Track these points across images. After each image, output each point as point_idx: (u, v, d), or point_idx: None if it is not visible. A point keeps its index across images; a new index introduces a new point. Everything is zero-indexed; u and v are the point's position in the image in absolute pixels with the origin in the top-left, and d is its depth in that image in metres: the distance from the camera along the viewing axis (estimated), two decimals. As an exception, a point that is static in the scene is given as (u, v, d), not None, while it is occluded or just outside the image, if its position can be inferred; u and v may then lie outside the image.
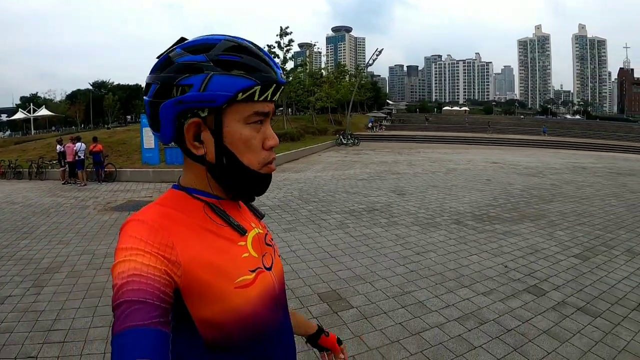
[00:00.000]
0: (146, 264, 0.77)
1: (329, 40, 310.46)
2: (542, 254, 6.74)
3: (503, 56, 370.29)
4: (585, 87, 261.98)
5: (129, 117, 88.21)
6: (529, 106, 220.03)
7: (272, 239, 1.14)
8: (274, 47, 37.22)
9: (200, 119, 0.89)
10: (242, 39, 0.93)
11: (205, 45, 0.89)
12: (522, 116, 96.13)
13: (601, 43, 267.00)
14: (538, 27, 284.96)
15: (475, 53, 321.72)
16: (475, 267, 6.10)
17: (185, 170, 1.00)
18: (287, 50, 37.86)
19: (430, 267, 6.10)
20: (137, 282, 0.74)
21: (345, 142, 35.33)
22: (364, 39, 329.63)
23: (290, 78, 40.88)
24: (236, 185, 0.96)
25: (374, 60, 49.55)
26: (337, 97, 50.42)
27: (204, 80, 0.85)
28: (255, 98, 0.89)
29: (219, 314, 0.87)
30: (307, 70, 51.27)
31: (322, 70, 62.10)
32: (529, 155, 28.56)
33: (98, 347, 3.90)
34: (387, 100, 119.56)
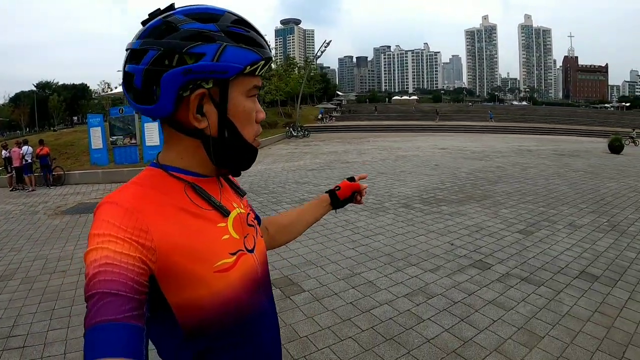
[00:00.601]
0: (119, 252, 0.74)
1: (277, 33, 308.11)
2: (487, 231, 7.03)
3: (451, 46, 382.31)
4: (531, 75, 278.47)
5: (75, 118, 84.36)
6: (477, 94, 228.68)
7: (254, 219, 1.13)
8: None
9: (206, 90, 0.86)
10: (234, 13, 0.92)
11: (211, 15, 0.87)
12: (470, 104, 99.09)
13: (546, 32, 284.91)
14: (485, 18, 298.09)
15: (424, 43, 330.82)
16: (422, 247, 6.29)
17: (169, 147, 0.97)
18: None
19: (379, 249, 6.24)
20: (110, 272, 0.71)
21: (295, 134, 35.49)
22: (313, 31, 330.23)
23: None
24: (232, 159, 0.96)
25: (322, 52, 49.91)
26: (286, 90, 50.58)
27: (218, 50, 0.83)
28: (257, 72, 0.91)
29: (198, 299, 0.85)
30: None
31: (272, 64, 61.68)
32: (476, 141, 29.66)
33: (58, 349, 3.81)
34: (337, 92, 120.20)
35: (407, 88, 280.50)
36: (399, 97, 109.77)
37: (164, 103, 0.85)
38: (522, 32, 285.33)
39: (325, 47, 48.16)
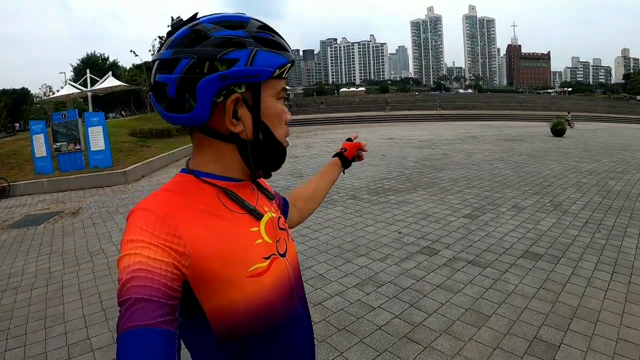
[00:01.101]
0: (152, 258, 0.75)
1: None
2: (434, 217, 7.21)
3: (397, 37, 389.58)
4: (476, 63, 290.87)
5: (17, 125, 79.86)
6: (424, 83, 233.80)
7: (285, 222, 1.14)
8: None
9: (240, 95, 0.89)
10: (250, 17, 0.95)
11: (238, 22, 0.90)
12: (417, 93, 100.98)
13: (490, 22, 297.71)
14: (430, 9, 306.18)
15: (370, 35, 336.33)
16: (371, 237, 6.37)
17: (200, 153, 0.97)
18: None
19: (328, 241, 6.27)
20: (143, 278, 0.73)
21: None
22: None
23: None
24: (267, 161, 0.98)
25: None
26: None
27: (250, 54, 0.86)
28: (284, 75, 0.95)
29: (232, 304, 0.86)
30: None
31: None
32: (423, 129, 30.36)
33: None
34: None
35: (355, 80, 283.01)
36: (347, 89, 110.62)
37: (201, 110, 0.86)
38: (466, 22, 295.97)
39: None
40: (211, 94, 0.85)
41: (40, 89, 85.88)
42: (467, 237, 6.16)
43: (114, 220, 7.74)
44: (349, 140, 1.76)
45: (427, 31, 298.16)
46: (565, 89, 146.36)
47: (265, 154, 0.96)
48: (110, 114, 57.27)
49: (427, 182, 10.24)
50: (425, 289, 4.57)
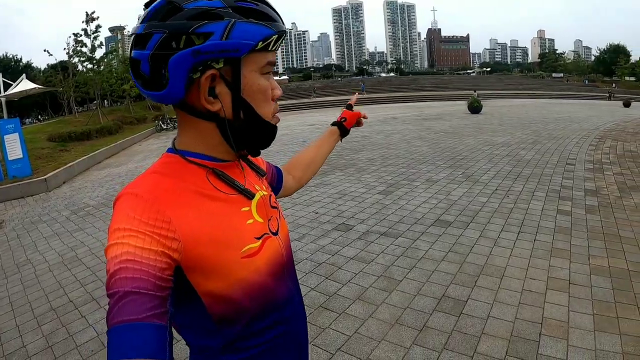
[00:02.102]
0: (140, 247, 0.74)
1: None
2: (350, 196, 7.39)
3: (319, 24, 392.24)
4: (397, 48, 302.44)
5: None
6: (347, 69, 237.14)
7: (276, 200, 1.13)
8: (81, 35, 33.81)
9: (217, 71, 0.84)
10: None
11: None
12: (339, 78, 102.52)
13: (410, 7, 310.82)
14: None
15: (292, 23, 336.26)
16: (288, 219, 6.40)
17: (184, 132, 0.94)
18: (95, 38, 34.67)
19: None
20: (131, 269, 0.71)
21: (165, 127, 34.10)
22: None
23: (102, 67, 37.91)
24: (251, 140, 0.94)
25: None
26: None
27: (227, 27, 0.80)
28: (270, 48, 0.88)
29: (226, 287, 0.85)
30: (119, 56, 47.93)
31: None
32: (344, 114, 30.60)
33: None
34: None
35: (277, 68, 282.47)
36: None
37: (174, 88, 0.83)
38: (387, 8, 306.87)
39: None
40: (184, 70, 0.81)
41: None
42: (380, 211, 6.37)
43: (38, 230, 7.42)
44: (349, 107, 1.74)
45: (348, 17, 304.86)
46: (485, 69, 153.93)
47: (248, 132, 0.92)
48: (27, 120, 53.69)
49: (345, 164, 10.44)
50: (340, 262, 4.73)
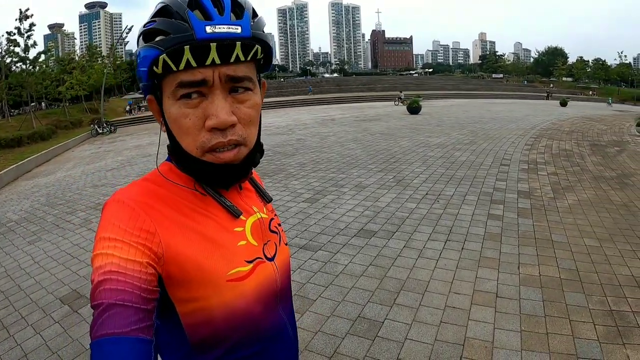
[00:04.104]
0: (125, 258, 0.72)
1: (82, 19, 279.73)
2: (274, 205, 6.99)
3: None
4: (341, 48, 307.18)
5: None
6: (290, 70, 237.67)
7: (279, 225, 1.06)
8: (14, 34, 32.31)
9: (154, 96, 0.85)
10: None
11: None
12: (282, 79, 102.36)
13: (355, 9, 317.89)
14: None
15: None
16: None
17: None
18: (29, 37, 33.18)
19: None
20: (115, 281, 0.69)
21: (101, 131, 32.98)
22: (120, 14, 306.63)
23: (37, 68, 36.33)
24: (188, 171, 0.87)
25: (124, 39, 47.68)
26: (89, 83, 46.43)
27: (139, 56, 0.80)
28: (174, 68, 0.76)
29: (207, 309, 0.81)
30: (54, 57, 46.11)
31: (73, 55, 56.82)
32: (284, 116, 30.62)
33: None
34: None
35: (271, 65, 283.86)
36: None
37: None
38: (332, 9, 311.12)
39: (127, 33, 46.66)
40: (144, 95, 0.88)
41: None
42: (303, 221, 6.10)
43: None
44: None
45: (293, 18, 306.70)
46: (427, 70, 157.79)
47: (181, 162, 0.87)
48: None
49: (274, 169, 10.14)
50: None
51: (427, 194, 7.08)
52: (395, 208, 6.37)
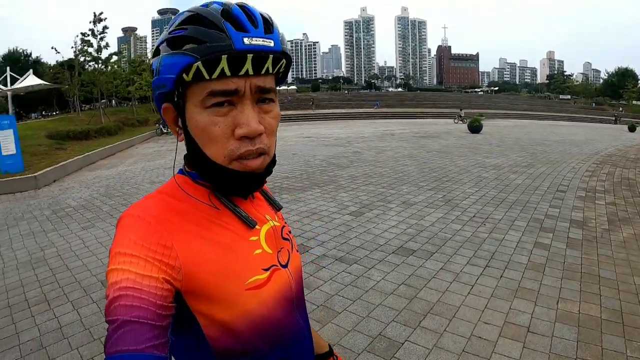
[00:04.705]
0: (141, 274, 0.70)
1: (154, 24, 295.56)
2: (319, 215, 7.04)
3: (330, 36, 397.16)
4: (407, 63, 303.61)
5: None
6: (355, 82, 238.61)
7: (289, 232, 1.06)
8: (88, 35, 34.39)
9: (172, 104, 0.84)
10: (217, 2, 0.80)
11: (172, 22, 0.82)
12: (346, 92, 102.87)
13: (422, 24, 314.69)
14: (363, 9, 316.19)
15: (303, 34, 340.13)
16: None
17: None
18: (102, 38, 35.17)
19: None
20: (131, 297, 0.68)
21: (165, 131, 34.31)
22: None
23: (108, 68, 38.46)
24: (209, 180, 0.86)
25: None
26: None
27: (158, 63, 0.79)
28: (206, 76, 0.75)
29: (229, 319, 0.80)
30: (125, 58, 48.55)
31: (144, 58, 59.69)
32: (345, 127, 30.67)
33: None
34: None
35: (287, 78, 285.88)
36: (278, 87, 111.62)
37: (161, 116, 0.89)
38: (398, 24, 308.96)
39: None
40: (156, 103, 0.87)
41: None
42: (344, 234, 6.01)
43: (18, 227, 7.47)
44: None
45: (359, 31, 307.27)
46: (492, 88, 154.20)
47: (202, 171, 0.86)
48: (33, 114, 54.25)
49: (325, 180, 10.10)
50: None
51: (474, 216, 6.81)
52: (439, 228, 6.16)
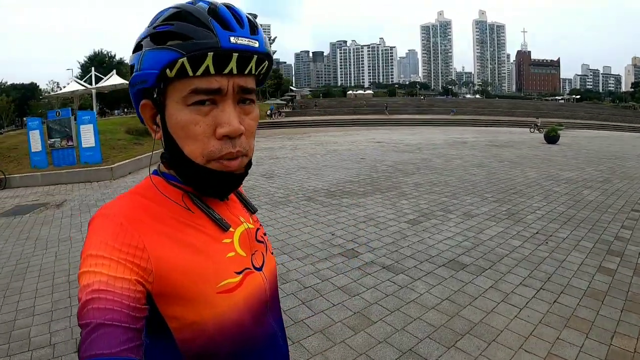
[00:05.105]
0: (113, 276, 0.69)
1: None
2: (375, 221, 6.93)
3: (407, 41, 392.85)
4: (485, 69, 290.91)
5: (25, 119, 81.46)
6: (432, 87, 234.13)
7: (264, 235, 1.05)
8: None
9: (151, 101, 0.82)
10: (205, 1, 0.79)
11: (153, 19, 0.80)
12: (422, 97, 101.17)
13: (500, 28, 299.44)
14: (440, 13, 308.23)
15: (380, 38, 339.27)
16: (303, 237, 6.25)
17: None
18: None
19: None
20: (104, 300, 0.67)
21: None
22: (269, 25, 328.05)
23: None
24: (186, 179, 0.85)
25: None
26: None
27: (140, 58, 0.78)
28: (190, 73, 0.75)
29: (200, 323, 0.79)
30: None
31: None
32: (417, 134, 30.10)
33: None
34: (290, 87, 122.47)
35: (363, 82, 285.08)
36: (353, 92, 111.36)
37: (137, 113, 0.87)
38: (476, 28, 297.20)
39: (270, 44, 49.91)
40: (133, 99, 0.85)
41: (47, 84, 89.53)
42: (397, 242, 5.86)
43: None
44: None
45: (436, 35, 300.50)
46: (574, 96, 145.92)
47: (179, 170, 0.85)
48: (116, 111, 57.83)
49: (388, 187, 9.93)
50: (326, 289, 4.48)
51: (537, 232, 6.38)
52: (496, 243, 5.84)
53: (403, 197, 8.72)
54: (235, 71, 0.76)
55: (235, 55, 0.75)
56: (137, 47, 0.79)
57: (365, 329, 3.63)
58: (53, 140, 15.62)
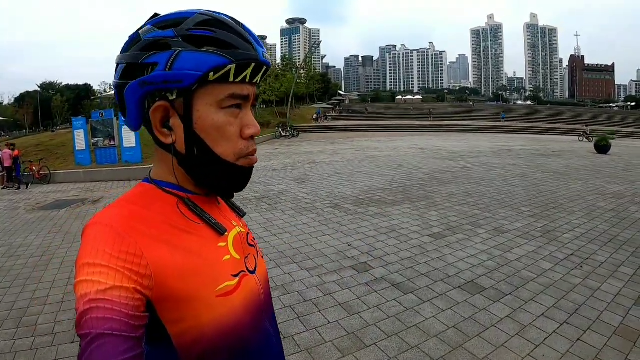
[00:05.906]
0: (111, 285, 0.67)
1: (283, 32, 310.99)
2: (397, 233, 6.54)
3: (457, 45, 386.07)
4: (537, 74, 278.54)
5: (72, 118, 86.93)
6: (482, 93, 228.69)
7: (253, 239, 1.05)
8: None
9: (168, 103, 0.80)
10: (219, 12, 0.83)
11: (175, 20, 0.80)
12: (471, 103, 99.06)
13: (552, 31, 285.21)
14: (490, 17, 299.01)
15: (429, 42, 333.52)
16: (318, 246, 6.03)
17: (156, 161, 0.90)
18: None
19: (276, 246, 6.15)
20: (102, 309, 0.65)
21: (284, 134, 35.78)
22: (318, 30, 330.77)
23: None
24: (210, 179, 0.85)
25: (312, 53, 51.20)
26: (281, 90, 51.62)
27: (170, 57, 0.76)
28: (231, 79, 0.79)
29: (200, 327, 0.77)
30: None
31: (277, 65, 63.74)
32: (462, 141, 29.14)
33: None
34: (339, 91, 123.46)
35: (413, 87, 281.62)
36: (402, 97, 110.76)
37: (130, 115, 0.82)
38: (527, 31, 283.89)
39: (315, 48, 50.06)
40: (135, 99, 0.79)
41: (99, 86, 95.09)
42: (415, 257, 5.46)
43: None
44: None
45: (487, 40, 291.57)
46: (629, 103, 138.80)
47: (204, 170, 0.84)
48: None
49: (420, 196, 9.47)
50: (326, 304, 4.26)
51: (572, 254, 5.75)
52: (524, 265, 5.28)
53: (433, 208, 8.26)
54: (259, 81, 0.85)
55: (264, 68, 0.83)
56: (161, 46, 0.77)
57: (355, 352, 3.32)
58: (96, 139, 16.41)
